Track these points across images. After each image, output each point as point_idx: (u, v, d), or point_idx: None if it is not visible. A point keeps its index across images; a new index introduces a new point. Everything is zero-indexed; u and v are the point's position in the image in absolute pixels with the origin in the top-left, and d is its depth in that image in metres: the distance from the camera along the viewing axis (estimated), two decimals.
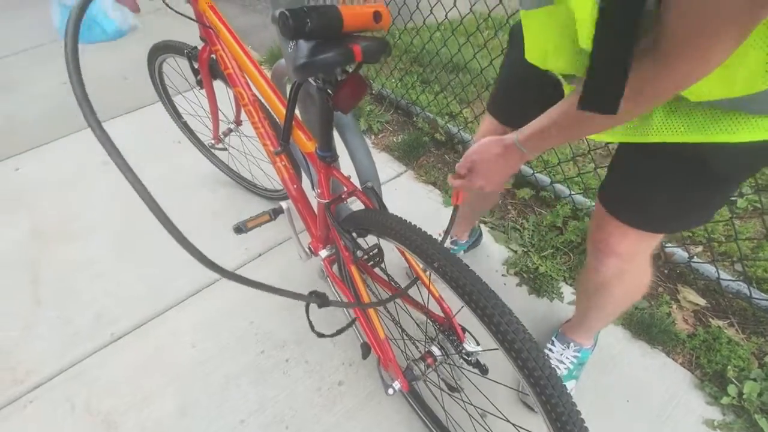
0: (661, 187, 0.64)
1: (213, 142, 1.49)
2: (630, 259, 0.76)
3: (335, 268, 1.09)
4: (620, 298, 0.88)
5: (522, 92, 0.82)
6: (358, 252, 0.74)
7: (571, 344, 1.10)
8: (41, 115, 2.39)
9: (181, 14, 1.03)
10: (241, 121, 1.49)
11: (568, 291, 1.32)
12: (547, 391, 0.50)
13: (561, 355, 1.10)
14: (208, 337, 1.32)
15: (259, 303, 1.40)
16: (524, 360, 0.50)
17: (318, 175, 0.81)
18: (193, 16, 1.06)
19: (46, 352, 1.32)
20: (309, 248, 1.13)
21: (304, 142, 0.83)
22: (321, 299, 0.63)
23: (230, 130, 1.49)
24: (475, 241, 1.48)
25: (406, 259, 0.79)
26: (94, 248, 1.61)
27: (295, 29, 0.48)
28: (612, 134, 0.60)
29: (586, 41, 0.47)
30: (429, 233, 0.65)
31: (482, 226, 1.56)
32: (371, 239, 0.86)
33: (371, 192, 0.80)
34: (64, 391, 1.23)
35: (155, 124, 2.19)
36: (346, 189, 0.82)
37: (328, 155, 0.76)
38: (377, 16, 0.54)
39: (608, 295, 0.87)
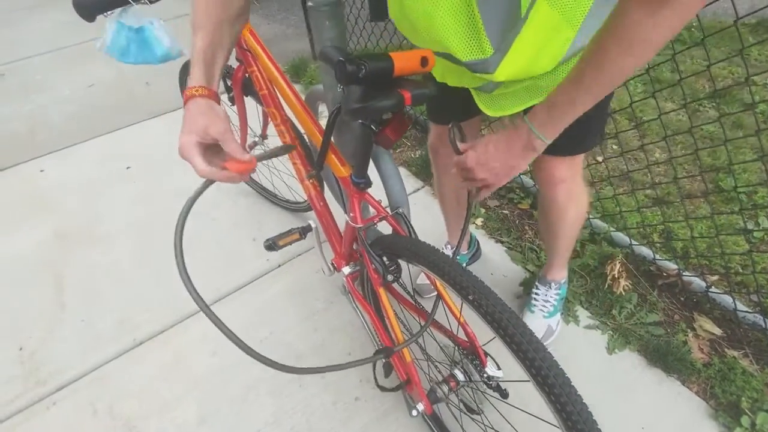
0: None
1: None
2: (571, 179, 0.97)
3: (357, 284, 1.12)
4: (574, 217, 1.08)
5: (448, 95, 0.93)
6: (389, 276, 0.76)
7: (552, 284, 1.29)
8: (65, 117, 2.45)
9: None
10: (267, 135, 1.52)
11: (584, 314, 1.34)
12: (578, 426, 0.52)
13: (546, 295, 1.29)
14: (229, 345, 1.33)
15: (279, 314, 1.42)
16: (557, 395, 0.52)
17: (351, 199, 0.83)
18: None
19: (70, 354, 1.35)
20: (332, 264, 1.16)
21: (339, 167, 0.86)
22: (386, 352, 0.69)
23: (255, 143, 1.53)
24: (476, 252, 1.50)
25: (433, 284, 0.82)
26: (118, 253, 1.65)
27: (351, 76, 0.51)
28: (537, 96, 0.76)
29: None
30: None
31: (500, 245, 1.58)
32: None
33: (402, 218, 0.82)
34: (86, 394, 1.26)
35: (178, 130, 2.24)
36: (376, 213, 0.84)
37: (363, 182, 0.79)
38: (424, 61, 0.57)
39: (565, 219, 1.07)
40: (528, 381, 0.57)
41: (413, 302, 0.92)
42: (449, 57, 0.70)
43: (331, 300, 1.46)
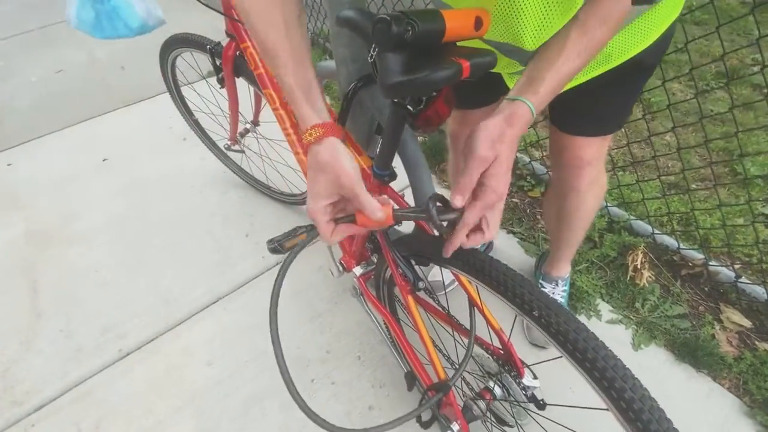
0: (610, 97, 0.75)
1: (229, 143, 1.39)
2: (597, 163, 0.90)
3: (370, 286, 1.01)
4: (592, 205, 1.01)
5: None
6: (421, 283, 0.66)
7: (558, 281, 1.23)
8: (33, 106, 2.24)
9: (207, 5, 0.93)
10: (259, 122, 1.39)
11: (605, 308, 1.27)
12: None
13: (552, 293, 1.22)
14: (226, 354, 1.23)
15: (281, 317, 1.29)
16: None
17: (371, 194, 0.72)
18: (221, 8, 0.96)
19: (48, 369, 1.22)
20: (341, 264, 1.05)
21: (356, 157, 0.74)
22: (443, 389, 0.62)
23: (247, 131, 1.39)
24: (489, 244, 1.43)
25: (467, 291, 0.72)
26: (98, 254, 1.51)
27: (396, 38, 0.40)
28: (583, 74, 0.67)
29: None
30: (518, 272, 0.57)
31: (512, 236, 1.49)
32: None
33: None
34: (69, 413, 1.13)
35: (158, 118, 2.07)
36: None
37: (387, 174, 0.67)
38: (479, 22, 0.46)
39: (584, 208, 0.99)
40: (606, 409, 0.48)
41: (440, 308, 0.82)
42: (499, 46, 0.61)
43: (335, 300, 1.35)
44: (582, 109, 0.80)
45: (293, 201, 1.55)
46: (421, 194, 0.75)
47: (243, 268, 1.44)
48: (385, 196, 0.54)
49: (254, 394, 1.15)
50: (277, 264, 1.46)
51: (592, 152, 0.87)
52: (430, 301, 0.82)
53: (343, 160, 0.49)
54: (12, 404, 1.16)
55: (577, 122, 0.83)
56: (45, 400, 1.16)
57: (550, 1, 0.50)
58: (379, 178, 0.68)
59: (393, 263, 0.69)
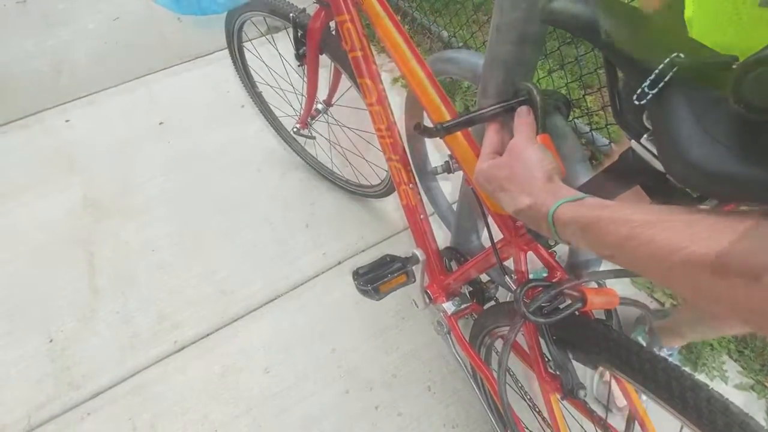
0: None
1: (299, 126, 1.21)
2: None
3: (461, 326, 0.85)
4: None
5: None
6: (582, 392, 0.48)
7: (664, 349, 1.01)
8: (90, 56, 2.14)
9: None
10: (332, 103, 1.20)
11: (733, 369, 1.05)
12: None
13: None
14: (284, 361, 1.14)
15: (343, 327, 1.19)
16: None
17: (517, 253, 0.53)
18: None
19: (105, 354, 1.18)
20: (426, 293, 0.89)
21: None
22: None
23: (318, 112, 1.21)
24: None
25: (629, 399, 0.53)
26: (154, 231, 1.42)
27: None
28: None
29: None
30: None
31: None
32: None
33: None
34: (124, 405, 1.09)
35: (214, 80, 1.92)
36: (547, 276, 0.54)
37: None
38: None
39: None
40: None
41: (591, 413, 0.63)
42: None
43: (402, 315, 1.21)
44: None
45: (361, 192, 1.38)
46: (577, 258, 0.54)
47: (303, 264, 1.32)
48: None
49: (313, 413, 1.05)
50: (340, 263, 1.33)
51: None
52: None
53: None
54: (70, 387, 1.13)
55: None
56: (101, 387, 1.12)
57: None
58: (534, 234, 0.49)
59: (540, 359, 0.51)
